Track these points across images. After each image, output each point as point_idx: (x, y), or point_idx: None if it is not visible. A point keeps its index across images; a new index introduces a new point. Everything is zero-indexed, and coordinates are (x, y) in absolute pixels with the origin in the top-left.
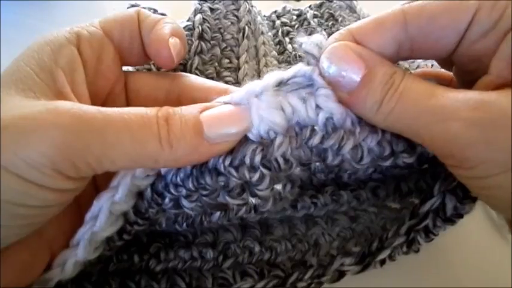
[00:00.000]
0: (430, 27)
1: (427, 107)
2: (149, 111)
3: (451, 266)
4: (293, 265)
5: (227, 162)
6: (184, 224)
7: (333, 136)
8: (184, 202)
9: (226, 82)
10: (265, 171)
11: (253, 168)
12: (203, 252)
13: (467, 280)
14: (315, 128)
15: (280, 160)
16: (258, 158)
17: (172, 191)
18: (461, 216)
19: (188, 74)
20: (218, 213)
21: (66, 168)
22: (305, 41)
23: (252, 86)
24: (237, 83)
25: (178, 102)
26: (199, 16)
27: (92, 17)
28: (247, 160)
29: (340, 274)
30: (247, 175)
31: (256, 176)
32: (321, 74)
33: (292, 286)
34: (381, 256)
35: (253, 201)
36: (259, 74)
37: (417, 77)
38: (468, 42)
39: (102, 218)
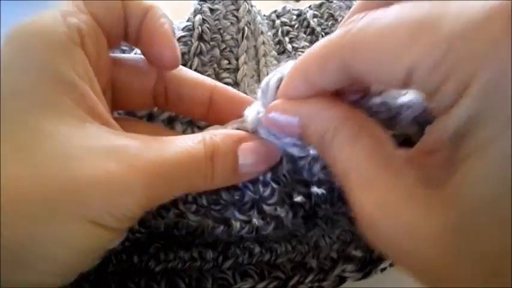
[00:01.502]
0: (367, 72)
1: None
2: (198, 148)
3: None
4: (293, 267)
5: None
6: (184, 231)
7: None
8: (191, 216)
9: (225, 83)
10: (275, 185)
11: (265, 184)
12: (203, 253)
13: None
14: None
15: (287, 175)
16: (269, 175)
17: (180, 207)
18: None
19: None
20: (221, 227)
21: (140, 214)
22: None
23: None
24: (236, 84)
25: (165, 94)
26: (199, 17)
27: None
28: (261, 177)
29: (341, 280)
30: (261, 189)
31: (268, 191)
32: None
33: None
34: (382, 265)
35: (257, 222)
36: (258, 75)
37: (348, 137)
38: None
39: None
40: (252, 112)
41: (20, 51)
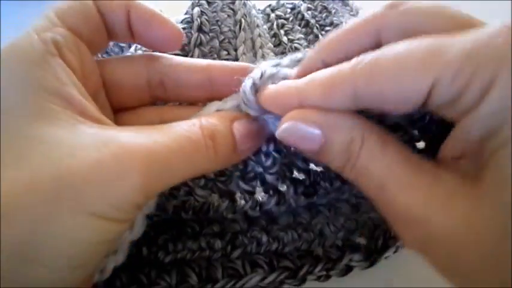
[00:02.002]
0: (380, 101)
1: (381, 200)
2: (194, 130)
3: None
4: (300, 256)
5: None
6: (191, 212)
7: None
8: (198, 191)
9: None
10: (276, 155)
11: (267, 155)
12: (211, 243)
13: None
14: None
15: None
16: (271, 146)
17: (189, 183)
18: None
19: (164, 55)
20: (226, 203)
21: (143, 202)
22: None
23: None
24: None
25: (162, 86)
26: (197, 9)
27: None
28: (264, 147)
29: (348, 269)
30: (263, 159)
31: (269, 161)
32: None
33: (302, 278)
34: (387, 254)
35: (260, 198)
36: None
37: (377, 145)
38: (434, 107)
39: (139, 223)
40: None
41: (4, 72)
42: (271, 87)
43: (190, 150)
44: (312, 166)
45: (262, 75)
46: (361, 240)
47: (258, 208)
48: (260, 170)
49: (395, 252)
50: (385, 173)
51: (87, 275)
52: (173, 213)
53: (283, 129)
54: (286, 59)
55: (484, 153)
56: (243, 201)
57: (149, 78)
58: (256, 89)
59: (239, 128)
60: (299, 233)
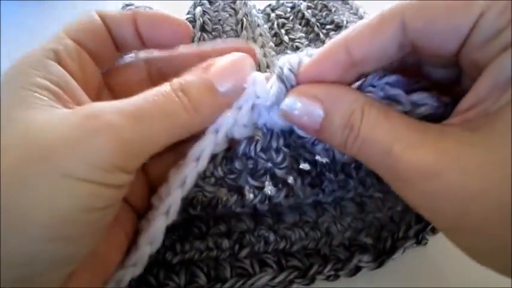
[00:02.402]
0: (429, 30)
1: (386, 166)
2: (163, 88)
3: (450, 265)
4: (308, 254)
5: (258, 148)
6: (199, 207)
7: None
8: (208, 187)
9: None
10: (286, 150)
11: (277, 150)
12: (218, 242)
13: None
14: None
15: (298, 141)
16: (281, 142)
17: (200, 183)
18: None
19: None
20: (235, 197)
21: (124, 162)
22: (281, 62)
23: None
24: None
25: (163, 77)
26: (199, 9)
27: None
28: (274, 144)
29: (357, 269)
30: (274, 156)
31: (280, 157)
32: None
33: (311, 278)
34: (395, 255)
35: (269, 191)
36: (258, 65)
37: (379, 114)
38: (470, 48)
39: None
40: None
41: (9, 70)
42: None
43: (163, 103)
44: (318, 157)
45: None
46: (368, 240)
47: (267, 202)
48: (270, 165)
49: (403, 252)
50: (391, 137)
51: (79, 252)
52: (181, 210)
53: (285, 104)
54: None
55: (498, 103)
56: (251, 195)
57: (149, 72)
58: (294, 72)
59: (213, 69)
60: (306, 231)
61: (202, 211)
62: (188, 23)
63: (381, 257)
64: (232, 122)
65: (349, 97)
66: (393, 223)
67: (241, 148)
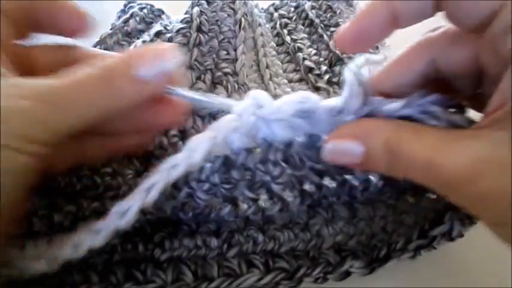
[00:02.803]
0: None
1: (430, 178)
2: (85, 68)
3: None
4: (296, 256)
5: (257, 160)
6: (190, 214)
7: None
8: (201, 195)
9: (225, 73)
10: (284, 165)
11: (275, 163)
12: (207, 241)
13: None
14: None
15: (296, 157)
16: (279, 155)
17: (193, 185)
18: (462, 236)
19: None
20: (228, 207)
21: (45, 135)
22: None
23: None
24: (235, 73)
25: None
26: (196, 9)
27: None
28: (271, 156)
29: (347, 274)
30: (271, 168)
31: (277, 170)
32: None
33: (299, 280)
34: (388, 264)
35: (263, 204)
36: (258, 65)
37: (413, 134)
38: (492, 36)
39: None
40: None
41: None
42: None
43: (86, 82)
44: (326, 182)
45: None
46: (359, 247)
47: (260, 214)
48: (267, 178)
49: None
50: (429, 152)
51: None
52: (171, 214)
53: (327, 152)
54: None
55: None
56: (245, 206)
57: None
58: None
59: (134, 55)
60: (296, 232)
61: (194, 218)
62: (91, 16)
63: (373, 264)
64: (232, 127)
65: (382, 127)
66: (385, 233)
67: (240, 158)
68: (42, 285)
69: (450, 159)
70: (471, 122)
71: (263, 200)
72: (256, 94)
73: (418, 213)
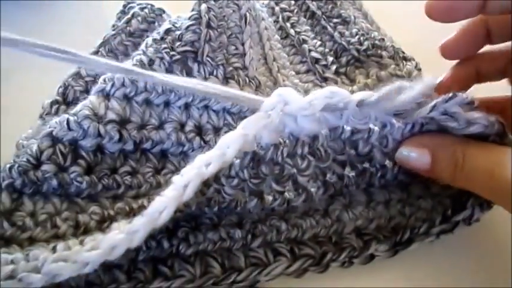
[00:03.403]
0: None
1: (490, 188)
2: None
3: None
4: (320, 242)
5: (285, 154)
6: (216, 208)
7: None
8: (228, 190)
9: (235, 68)
10: (311, 158)
11: (303, 157)
12: (231, 233)
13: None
14: (344, 126)
15: (321, 149)
16: (306, 149)
17: (222, 181)
18: (478, 220)
19: None
20: (255, 200)
21: None
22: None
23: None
24: (245, 68)
25: None
26: (204, 5)
27: (91, 17)
28: (299, 150)
29: (371, 257)
30: (299, 162)
31: (304, 163)
32: None
33: (326, 265)
34: (411, 247)
35: (288, 195)
36: (265, 58)
37: (476, 148)
38: None
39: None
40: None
41: None
42: None
43: None
44: (347, 171)
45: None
46: (379, 231)
47: (285, 205)
48: (294, 171)
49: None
50: (490, 163)
51: None
52: (195, 209)
53: (401, 155)
54: None
55: None
56: (270, 198)
57: None
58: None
59: None
60: (317, 219)
61: (219, 211)
62: None
63: (396, 247)
64: (262, 125)
65: (449, 141)
66: (403, 216)
67: (269, 153)
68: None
69: (509, 170)
70: (486, 127)
71: (288, 191)
72: (284, 91)
73: (434, 198)
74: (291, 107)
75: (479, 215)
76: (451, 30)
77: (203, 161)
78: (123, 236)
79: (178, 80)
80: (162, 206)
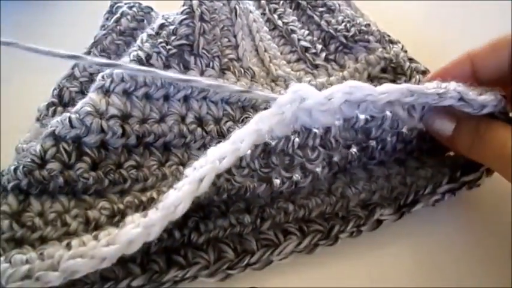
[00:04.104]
0: None
1: (501, 156)
2: None
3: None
4: (327, 218)
5: (296, 146)
6: (225, 195)
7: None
8: (238, 178)
9: (230, 59)
10: (321, 149)
11: (313, 148)
12: (240, 218)
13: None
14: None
15: (333, 140)
16: (317, 141)
17: (233, 171)
18: (479, 185)
19: None
20: (264, 185)
21: None
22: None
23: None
24: (239, 59)
25: None
26: (195, 0)
27: (92, 17)
28: (310, 142)
29: (379, 223)
30: (309, 153)
31: (315, 154)
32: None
33: (335, 237)
34: (416, 207)
35: (295, 177)
36: (256, 49)
37: (497, 124)
38: None
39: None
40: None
41: None
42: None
43: None
44: (352, 149)
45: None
46: (383, 200)
47: (293, 187)
48: (303, 160)
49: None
50: (506, 135)
51: None
52: (204, 198)
53: (429, 119)
54: None
55: None
56: (278, 181)
57: None
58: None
59: None
60: (321, 198)
61: (228, 198)
62: None
63: (401, 209)
64: (276, 120)
65: (474, 116)
66: (404, 186)
67: (280, 144)
68: (84, 283)
69: None
70: (495, 106)
71: (296, 175)
72: (300, 87)
73: (432, 168)
74: (308, 102)
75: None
76: (450, 31)
77: (217, 155)
78: (140, 230)
79: (201, 78)
80: (177, 200)
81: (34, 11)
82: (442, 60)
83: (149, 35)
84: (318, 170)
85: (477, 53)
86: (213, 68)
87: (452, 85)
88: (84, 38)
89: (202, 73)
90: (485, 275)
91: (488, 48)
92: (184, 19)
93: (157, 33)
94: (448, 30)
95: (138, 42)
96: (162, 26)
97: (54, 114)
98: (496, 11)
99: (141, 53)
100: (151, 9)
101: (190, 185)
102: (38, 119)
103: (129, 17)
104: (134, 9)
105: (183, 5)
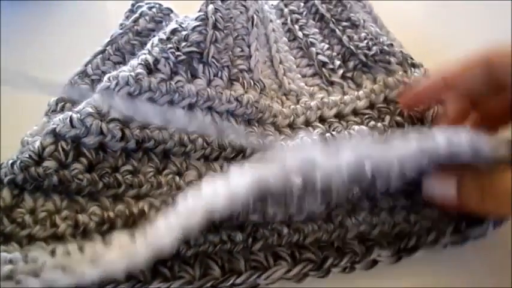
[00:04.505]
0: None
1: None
2: None
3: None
4: (321, 247)
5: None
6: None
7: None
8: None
9: (240, 70)
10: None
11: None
12: (232, 236)
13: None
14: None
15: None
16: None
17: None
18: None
19: None
20: (257, 215)
21: None
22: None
23: None
24: (250, 70)
25: None
26: (211, 6)
27: (92, 17)
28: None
29: (374, 263)
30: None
31: (316, 204)
32: None
33: (327, 270)
34: (416, 255)
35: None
36: (271, 60)
37: (498, 171)
38: None
39: None
40: None
41: None
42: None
43: None
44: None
45: None
46: (383, 237)
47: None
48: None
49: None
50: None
51: None
52: None
53: (426, 190)
54: None
55: None
56: (272, 212)
57: None
58: None
59: None
60: (319, 224)
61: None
62: None
63: (400, 253)
64: None
65: (472, 167)
66: (407, 223)
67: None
68: None
69: None
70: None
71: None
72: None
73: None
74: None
75: (490, 231)
76: (450, 30)
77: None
78: (123, 260)
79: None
80: (193, 210)
81: (34, 11)
82: (442, 60)
83: (160, 39)
84: (315, 208)
85: (450, 72)
86: (221, 78)
87: (464, 137)
88: (84, 38)
89: (209, 82)
90: (485, 275)
91: (460, 68)
92: (197, 26)
93: (169, 38)
94: (448, 30)
95: (149, 45)
96: (174, 31)
97: (62, 109)
98: (496, 11)
99: (149, 57)
100: (171, 10)
101: (205, 197)
102: (46, 113)
103: (147, 17)
104: (154, 10)
105: (199, 11)
